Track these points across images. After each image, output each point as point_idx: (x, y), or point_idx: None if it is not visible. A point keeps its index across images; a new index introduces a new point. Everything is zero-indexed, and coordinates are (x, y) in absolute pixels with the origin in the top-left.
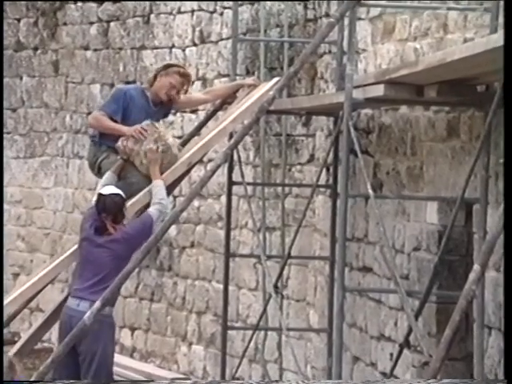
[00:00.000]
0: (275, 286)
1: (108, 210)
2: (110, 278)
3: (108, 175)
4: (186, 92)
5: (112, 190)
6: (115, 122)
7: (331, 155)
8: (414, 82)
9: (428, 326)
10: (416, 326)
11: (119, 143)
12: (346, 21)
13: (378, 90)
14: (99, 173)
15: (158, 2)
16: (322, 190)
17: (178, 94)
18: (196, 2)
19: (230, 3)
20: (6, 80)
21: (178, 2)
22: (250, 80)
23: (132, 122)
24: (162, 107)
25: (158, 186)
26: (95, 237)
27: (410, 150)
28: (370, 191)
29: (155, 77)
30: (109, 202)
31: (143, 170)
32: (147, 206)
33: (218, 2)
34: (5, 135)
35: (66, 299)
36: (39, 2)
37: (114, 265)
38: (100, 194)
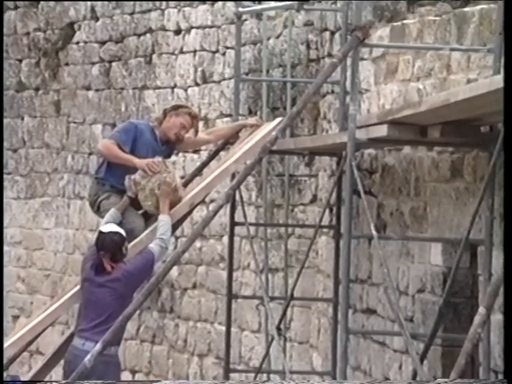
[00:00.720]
0: (278, 328)
1: (106, 248)
2: (114, 317)
3: (112, 212)
4: (196, 134)
5: (112, 228)
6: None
7: (334, 195)
8: (418, 122)
9: (433, 370)
10: (421, 370)
11: (126, 180)
12: (349, 61)
13: (382, 131)
14: (98, 211)
15: (160, 42)
16: (325, 230)
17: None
18: (198, 42)
19: (233, 43)
20: (7, 120)
21: (181, 42)
22: (252, 120)
23: (138, 157)
24: (168, 146)
25: (163, 220)
26: (96, 277)
27: (414, 191)
28: (374, 232)
29: (164, 116)
30: (107, 240)
31: (147, 206)
32: None
33: (221, 42)
34: (5, 176)
35: (66, 342)
36: (41, 43)
37: (117, 304)
38: (100, 232)
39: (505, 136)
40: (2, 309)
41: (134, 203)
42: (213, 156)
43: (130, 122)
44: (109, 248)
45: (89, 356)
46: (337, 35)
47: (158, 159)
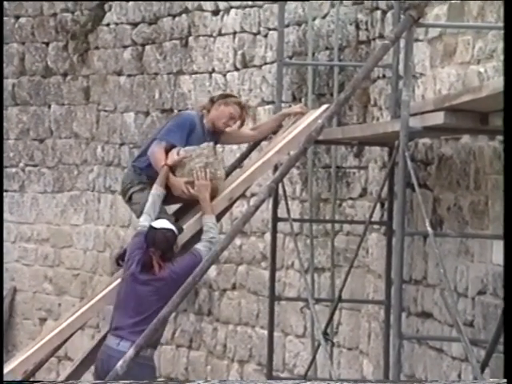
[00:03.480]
0: (325, 333)
1: (157, 245)
2: (154, 318)
3: (155, 191)
4: (242, 125)
5: (164, 224)
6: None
7: (386, 189)
8: (478, 109)
9: (496, 379)
10: (482, 379)
11: None
12: (402, 42)
13: (438, 118)
14: (129, 201)
15: (197, 24)
16: (375, 227)
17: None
18: (238, 23)
19: (276, 24)
20: (33, 108)
21: (219, 23)
22: (296, 108)
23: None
24: (213, 136)
25: (210, 222)
26: (141, 274)
27: (474, 184)
28: (429, 229)
29: (212, 104)
30: (159, 237)
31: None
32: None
33: (263, 23)
34: (31, 168)
35: (97, 346)
36: (69, 24)
37: (158, 305)
38: (151, 227)
39: (505, 135)
40: (1, 309)
41: (167, 196)
42: (253, 147)
43: (183, 117)
44: (160, 245)
45: (121, 362)
46: (389, 14)
47: (208, 144)
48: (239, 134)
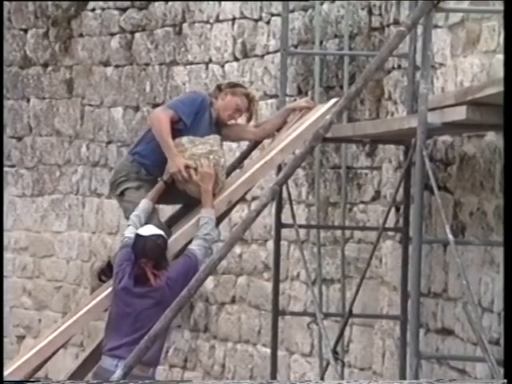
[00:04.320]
0: (334, 351)
1: (149, 255)
2: None
3: (144, 206)
4: (249, 119)
5: (152, 230)
6: (179, 127)
7: (401, 192)
8: None
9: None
10: None
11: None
12: (420, 29)
13: (459, 113)
14: (120, 196)
15: (192, 9)
16: (390, 233)
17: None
18: (238, 8)
19: (279, 9)
20: (10, 103)
21: (217, 9)
22: (302, 102)
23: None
24: (217, 128)
25: (207, 216)
26: (135, 287)
27: (499, 186)
28: (450, 236)
29: (219, 92)
30: (150, 246)
31: (193, 188)
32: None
33: (265, 9)
34: (9, 169)
35: (80, 367)
36: (50, 9)
37: (158, 317)
38: (138, 236)
39: (505, 135)
40: (1, 309)
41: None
42: (255, 145)
43: (195, 92)
44: (152, 255)
45: None
46: None
47: (215, 136)
48: (241, 130)
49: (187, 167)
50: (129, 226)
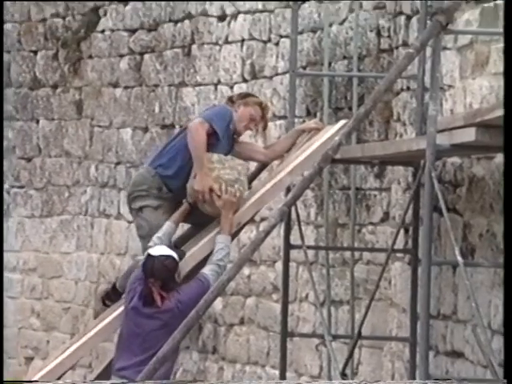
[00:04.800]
0: (343, 374)
1: (156, 276)
2: None
3: (167, 228)
4: (265, 127)
5: (163, 250)
6: (212, 141)
7: (410, 213)
8: None
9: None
10: None
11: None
12: (429, 51)
13: (468, 135)
14: (138, 212)
15: (201, 30)
16: (399, 255)
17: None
18: (247, 30)
19: (288, 31)
20: (19, 124)
21: (226, 30)
22: (311, 123)
23: (219, 151)
24: (230, 142)
25: (223, 242)
26: (144, 307)
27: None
28: (459, 258)
29: (232, 104)
30: (158, 266)
31: (207, 206)
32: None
33: (274, 30)
34: (18, 190)
35: None
36: (60, 31)
37: (166, 339)
38: (148, 255)
39: (505, 137)
40: (1, 308)
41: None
42: (263, 166)
43: (225, 108)
44: (159, 275)
45: None
46: (414, 20)
47: (244, 163)
48: (252, 150)
49: (211, 190)
50: (149, 246)
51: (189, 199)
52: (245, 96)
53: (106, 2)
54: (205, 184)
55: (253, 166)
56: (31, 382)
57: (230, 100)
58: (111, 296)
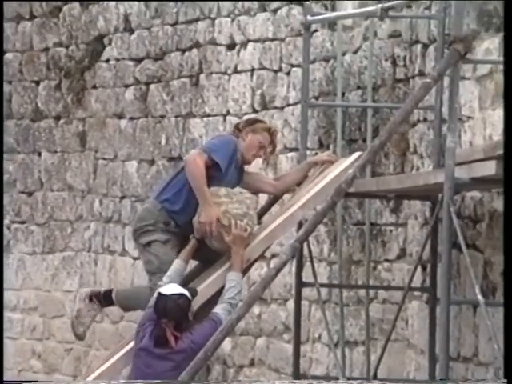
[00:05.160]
0: None
1: (170, 316)
2: None
3: (177, 266)
4: (273, 151)
5: (175, 289)
6: (214, 173)
7: (428, 250)
8: None
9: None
10: None
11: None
12: (447, 81)
13: (489, 168)
14: (146, 247)
15: (209, 59)
16: (416, 293)
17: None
18: (257, 59)
19: (299, 60)
20: (21, 157)
21: (235, 59)
22: (324, 156)
23: (226, 183)
24: (239, 172)
25: (234, 280)
26: (155, 348)
27: None
28: (480, 297)
29: (239, 132)
30: (170, 306)
31: (216, 242)
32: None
33: (284, 59)
34: (19, 225)
35: None
36: (63, 61)
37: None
38: (160, 295)
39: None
40: (1, 306)
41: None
42: (274, 200)
43: (229, 138)
44: (173, 315)
45: None
46: (431, 48)
47: (252, 196)
48: (261, 181)
49: (218, 221)
50: (159, 286)
51: (196, 235)
52: (252, 122)
53: (111, 31)
54: (211, 215)
55: (263, 199)
56: (31, 381)
57: (237, 128)
58: (100, 298)
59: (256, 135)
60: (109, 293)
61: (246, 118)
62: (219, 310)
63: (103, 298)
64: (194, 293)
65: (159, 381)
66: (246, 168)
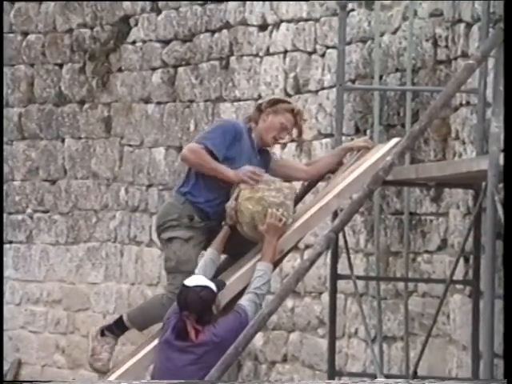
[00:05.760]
0: None
1: (191, 308)
2: None
3: (210, 257)
4: (300, 134)
5: (199, 280)
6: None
7: (470, 240)
8: None
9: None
10: None
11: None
12: (491, 62)
13: None
14: (166, 242)
15: (240, 41)
16: (458, 287)
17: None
18: (290, 40)
19: (335, 41)
20: (43, 143)
21: (267, 41)
22: (360, 141)
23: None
24: (263, 156)
25: (262, 270)
26: (176, 340)
27: None
28: None
29: (260, 113)
30: (192, 298)
31: (245, 223)
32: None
33: (319, 40)
34: (42, 215)
35: None
36: (87, 42)
37: (200, 376)
38: (183, 286)
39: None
40: (1, 304)
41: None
42: (308, 188)
43: (225, 121)
44: (194, 308)
45: None
46: (474, 28)
47: (291, 185)
48: (292, 167)
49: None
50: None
51: (228, 221)
52: (274, 103)
53: (138, 11)
54: (236, 174)
55: (297, 187)
56: (31, 381)
57: (258, 109)
58: (113, 328)
59: (278, 116)
60: (120, 320)
61: (268, 97)
62: (244, 301)
63: (116, 327)
64: (221, 285)
65: (183, 381)
66: (279, 155)
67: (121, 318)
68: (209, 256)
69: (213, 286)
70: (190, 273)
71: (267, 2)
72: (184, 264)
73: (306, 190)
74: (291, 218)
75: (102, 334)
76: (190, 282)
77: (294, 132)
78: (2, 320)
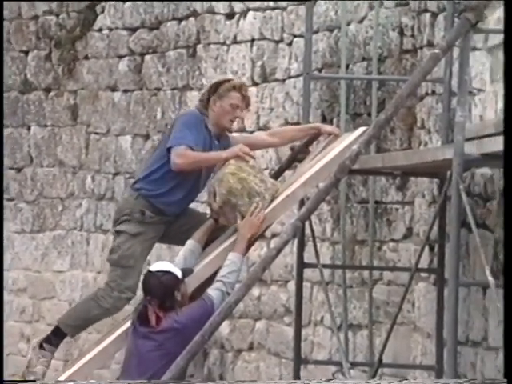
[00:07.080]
0: None
1: (153, 293)
2: (159, 379)
3: (188, 245)
4: (247, 106)
5: (162, 266)
6: None
7: (435, 229)
8: None
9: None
10: None
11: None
12: (456, 52)
13: (500, 144)
14: (115, 234)
15: (207, 29)
16: (423, 275)
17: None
18: (257, 29)
19: (302, 30)
20: (9, 130)
21: (234, 29)
22: (327, 127)
23: None
24: (222, 142)
25: (232, 260)
26: (140, 326)
27: None
28: (490, 278)
29: (207, 101)
30: (154, 283)
31: (220, 201)
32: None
33: (286, 29)
34: (7, 203)
35: None
36: (53, 30)
37: (161, 363)
38: (148, 272)
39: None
40: (1, 302)
41: None
42: (275, 176)
43: (186, 115)
44: (155, 293)
45: None
46: (440, 18)
47: (274, 182)
48: (254, 141)
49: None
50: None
51: (214, 215)
52: (215, 89)
53: None
54: (233, 149)
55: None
56: (31, 381)
57: (203, 101)
58: (51, 338)
59: (224, 99)
60: (57, 328)
61: (206, 86)
62: (211, 289)
63: (53, 336)
64: (187, 272)
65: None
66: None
67: (57, 326)
68: (188, 247)
69: (177, 272)
70: (131, 268)
71: None
72: (125, 259)
73: (273, 178)
74: (264, 211)
75: (40, 346)
76: (154, 267)
77: (246, 104)
78: (2, 320)
